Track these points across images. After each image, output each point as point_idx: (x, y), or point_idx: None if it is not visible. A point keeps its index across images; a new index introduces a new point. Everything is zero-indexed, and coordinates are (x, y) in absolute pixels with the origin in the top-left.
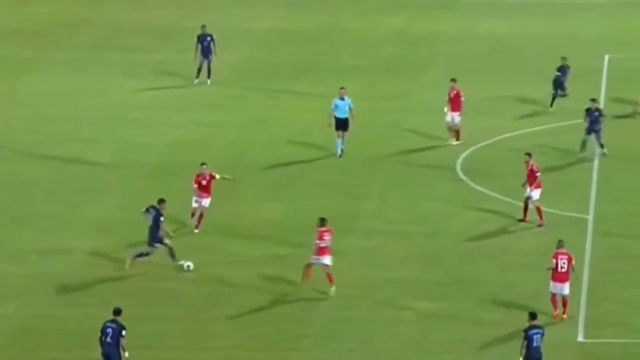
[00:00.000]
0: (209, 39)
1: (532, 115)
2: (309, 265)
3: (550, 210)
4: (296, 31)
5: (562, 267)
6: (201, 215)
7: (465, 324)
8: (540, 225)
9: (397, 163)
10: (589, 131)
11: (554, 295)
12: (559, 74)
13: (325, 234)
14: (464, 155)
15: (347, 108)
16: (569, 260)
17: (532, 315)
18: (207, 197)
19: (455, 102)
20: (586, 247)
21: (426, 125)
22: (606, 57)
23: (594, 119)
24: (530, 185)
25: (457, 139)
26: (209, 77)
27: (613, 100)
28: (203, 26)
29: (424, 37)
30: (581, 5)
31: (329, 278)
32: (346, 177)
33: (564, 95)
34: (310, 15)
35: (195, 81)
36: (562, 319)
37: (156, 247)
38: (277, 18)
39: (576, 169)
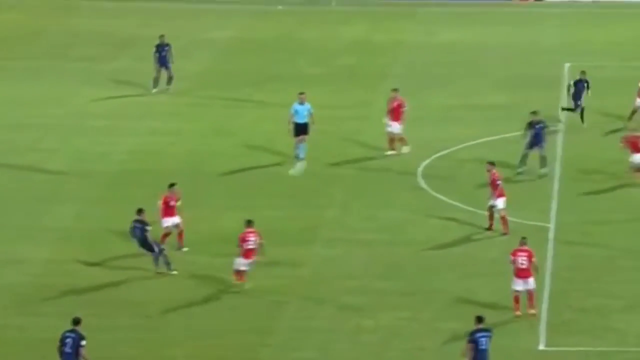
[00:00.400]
0: (167, 48)
1: (492, 123)
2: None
3: (512, 218)
4: (257, 40)
5: (521, 264)
6: (181, 233)
7: (426, 333)
8: (504, 234)
9: (358, 172)
10: (531, 145)
11: (517, 294)
12: (576, 87)
13: (250, 235)
14: (424, 163)
15: (306, 113)
16: (529, 256)
17: (479, 319)
18: (175, 215)
19: (396, 112)
20: (547, 255)
21: (385, 135)
22: (566, 65)
23: (537, 131)
24: (493, 194)
25: (405, 145)
26: (169, 84)
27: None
28: (161, 36)
29: (384, 46)
30: (540, 14)
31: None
32: (307, 186)
33: (571, 110)
34: (270, 24)
35: (153, 91)
36: (530, 314)
37: (160, 247)
38: (238, 27)
39: (538, 177)
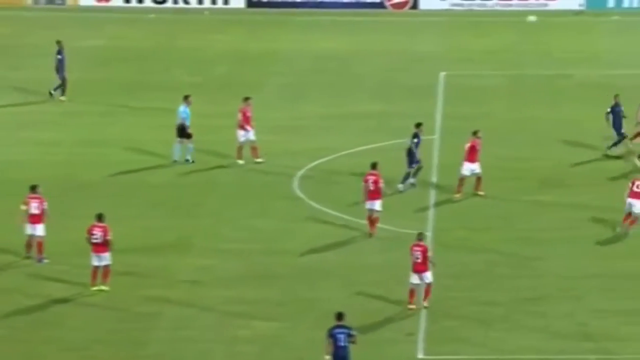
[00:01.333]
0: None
1: (368, 132)
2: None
3: (390, 227)
4: (131, 49)
5: (417, 258)
6: (40, 244)
7: (303, 343)
8: (370, 235)
9: (234, 181)
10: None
11: (412, 287)
12: (614, 112)
13: (95, 229)
14: (300, 172)
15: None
16: (424, 251)
17: (338, 316)
18: (41, 223)
19: (248, 120)
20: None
21: (264, 143)
22: (441, 74)
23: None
24: (376, 197)
25: (258, 157)
26: (56, 90)
27: (449, 117)
28: (58, 42)
29: (259, 55)
30: (416, 23)
31: (104, 275)
32: (181, 195)
33: (620, 140)
34: (145, 33)
35: (62, 98)
36: (425, 307)
37: None
38: (111, 36)
39: (416, 186)
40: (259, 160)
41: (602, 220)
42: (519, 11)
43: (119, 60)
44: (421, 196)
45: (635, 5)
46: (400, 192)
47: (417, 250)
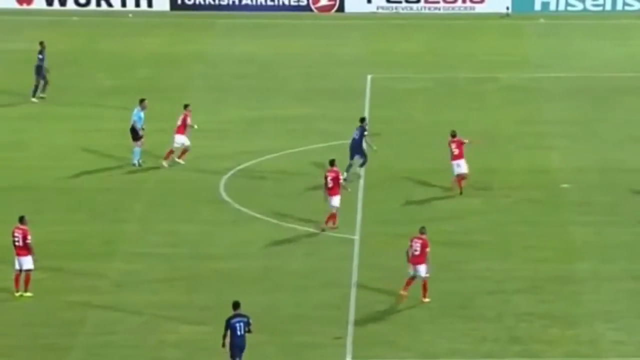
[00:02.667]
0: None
1: (293, 135)
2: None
3: (316, 230)
4: (53, 53)
5: (415, 250)
6: None
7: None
8: (323, 230)
9: (159, 185)
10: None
11: (411, 278)
12: None
13: (16, 231)
14: (227, 176)
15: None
16: (423, 245)
17: (235, 305)
18: None
19: (184, 126)
20: (353, 267)
21: (191, 147)
22: (368, 77)
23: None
24: (334, 194)
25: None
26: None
27: (376, 120)
28: (41, 43)
29: (183, 58)
30: (341, 25)
31: (25, 281)
32: (106, 200)
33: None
34: (65, 36)
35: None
36: (422, 301)
37: None
38: (30, 39)
39: (342, 189)
40: (181, 161)
41: (527, 222)
42: (446, 14)
43: None
44: (348, 199)
45: (561, 8)
46: (346, 180)
47: (417, 243)
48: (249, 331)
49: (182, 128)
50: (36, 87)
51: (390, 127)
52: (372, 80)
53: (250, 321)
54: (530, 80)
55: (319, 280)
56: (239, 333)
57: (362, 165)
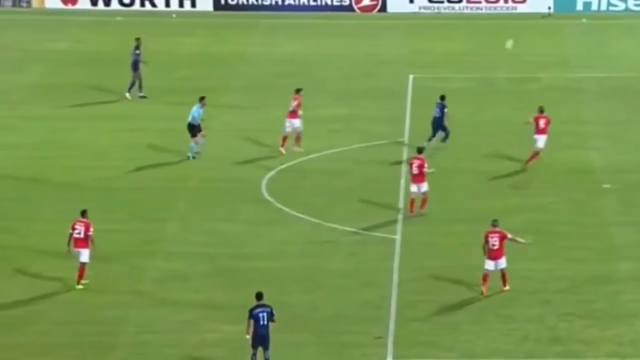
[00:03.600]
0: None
1: (335, 135)
2: None
3: (358, 230)
4: (96, 52)
5: (493, 245)
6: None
7: (272, 346)
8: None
9: (201, 184)
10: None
11: (486, 273)
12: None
13: (77, 224)
14: (269, 175)
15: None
16: (501, 237)
17: (258, 296)
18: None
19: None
20: (394, 267)
21: (229, 147)
22: (410, 77)
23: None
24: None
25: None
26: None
27: (417, 120)
28: (137, 39)
29: (225, 58)
30: (383, 25)
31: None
32: (148, 199)
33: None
34: (108, 36)
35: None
36: (503, 290)
37: None
38: (76, 39)
39: (382, 189)
40: (299, 149)
41: (567, 222)
42: (487, 14)
43: (83, 64)
44: (389, 199)
45: (603, 8)
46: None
47: (495, 237)
48: (273, 321)
49: (295, 113)
50: (132, 83)
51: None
52: (414, 80)
53: (274, 312)
54: (571, 80)
55: (359, 280)
56: (261, 323)
57: (444, 139)
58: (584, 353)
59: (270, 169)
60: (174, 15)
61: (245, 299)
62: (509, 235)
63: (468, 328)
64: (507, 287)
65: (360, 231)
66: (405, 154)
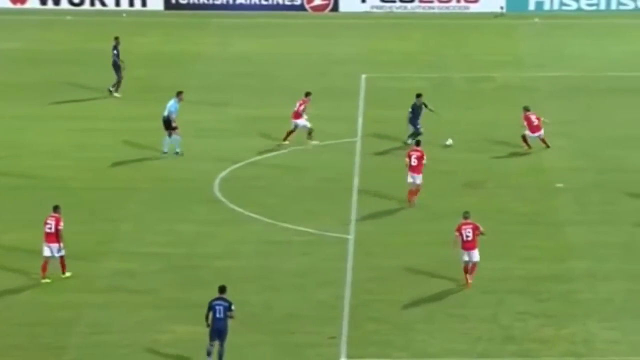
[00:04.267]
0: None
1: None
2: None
3: (311, 230)
4: (43, 52)
5: (467, 237)
6: None
7: (228, 347)
8: (411, 205)
9: (154, 185)
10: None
11: (465, 264)
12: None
13: (49, 219)
14: (221, 175)
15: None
16: (474, 229)
17: (220, 289)
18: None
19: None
20: (348, 267)
21: (186, 146)
22: (363, 76)
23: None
24: (417, 172)
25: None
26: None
27: (371, 120)
28: (116, 38)
29: (178, 57)
30: (336, 25)
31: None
32: (101, 199)
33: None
34: (60, 35)
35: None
36: (466, 284)
37: None
38: (28, 38)
39: (336, 188)
40: (314, 142)
41: (522, 222)
42: (440, 14)
43: (35, 63)
44: (343, 199)
45: (555, 7)
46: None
47: (468, 228)
48: (231, 316)
49: (298, 114)
50: (118, 82)
51: (385, 126)
52: (367, 79)
53: (232, 307)
54: (525, 79)
55: (313, 280)
56: (217, 315)
57: (411, 135)
58: (539, 352)
59: (222, 169)
60: (124, 15)
61: (200, 299)
62: (481, 228)
63: (422, 328)
64: (471, 282)
65: (314, 231)
66: (357, 153)
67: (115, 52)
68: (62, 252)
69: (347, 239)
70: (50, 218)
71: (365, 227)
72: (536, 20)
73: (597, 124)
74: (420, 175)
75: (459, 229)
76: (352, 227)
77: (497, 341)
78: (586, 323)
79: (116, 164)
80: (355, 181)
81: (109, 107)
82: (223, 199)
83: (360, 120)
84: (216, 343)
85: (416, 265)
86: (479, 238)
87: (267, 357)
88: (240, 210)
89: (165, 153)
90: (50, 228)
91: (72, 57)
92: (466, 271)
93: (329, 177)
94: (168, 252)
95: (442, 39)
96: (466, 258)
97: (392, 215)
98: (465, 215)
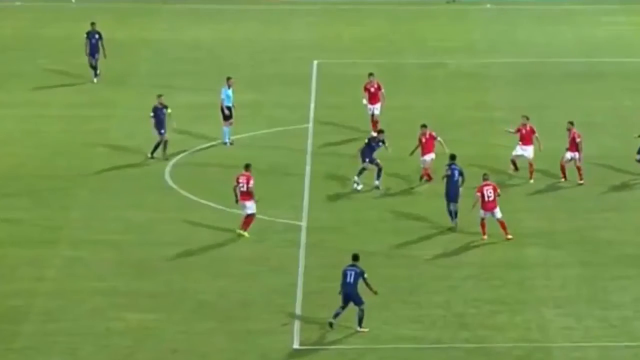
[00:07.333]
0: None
1: (240, 121)
2: None
3: (264, 217)
4: None
5: (488, 197)
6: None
7: (177, 335)
8: (429, 180)
9: (104, 172)
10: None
11: (483, 219)
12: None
13: (241, 178)
14: (172, 162)
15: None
16: (494, 189)
17: (354, 257)
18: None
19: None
20: (300, 254)
21: (133, 133)
22: (314, 62)
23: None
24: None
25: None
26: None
27: (323, 106)
28: (92, 23)
29: (128, 43)
30: (288, 11)
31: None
32: (51, 186)
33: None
34: (8, 21)
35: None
36: (508, 239)
37: None
38: None
39: (288, 175)
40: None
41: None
42: (391, 0)
43: None
44: (294, 185)
45: None
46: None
47: (489, 188)
48: (365, 282)
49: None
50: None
51: (337, 112)
52: (318, 65)
53: (366, 276)
54: (478, 65)
55: (266, 267)
56: (347, 280)
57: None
58: (492, 339)
59: (174, 156)
60: (73, 1)
61: (151, 287)
62: (498, 190)
63: (375, 314)
64: (510, 236)
65: (266, 217)
66: (310, 139)
67: (93, 41)
68: (253, 211)
69: (299, 226)
70: (241, 177)
71: (317, 214)
72: (488, 6)
73: (552, 110)
74: (432, 154)
75: (480, 190)
76: (305, 213)
77: (450, 328)
78: (540, 309)
79: (67, 151)
80: (308, 168)
81: (58, 94)
82: (174, 186)
83: (312, 106)
84: (346, 307)
85: (368, 252)
86: (498, 199)
87: (220, 344)
88: (192, 197)
89: (227, 143)
90: (242, 187)
91: (21, 44)
92: (483, 226)
93: (281, 164)
94: (119, 239)
95: (394, 25)
96: (487, 216)
97: (344, 202)
98: (485, 177)
